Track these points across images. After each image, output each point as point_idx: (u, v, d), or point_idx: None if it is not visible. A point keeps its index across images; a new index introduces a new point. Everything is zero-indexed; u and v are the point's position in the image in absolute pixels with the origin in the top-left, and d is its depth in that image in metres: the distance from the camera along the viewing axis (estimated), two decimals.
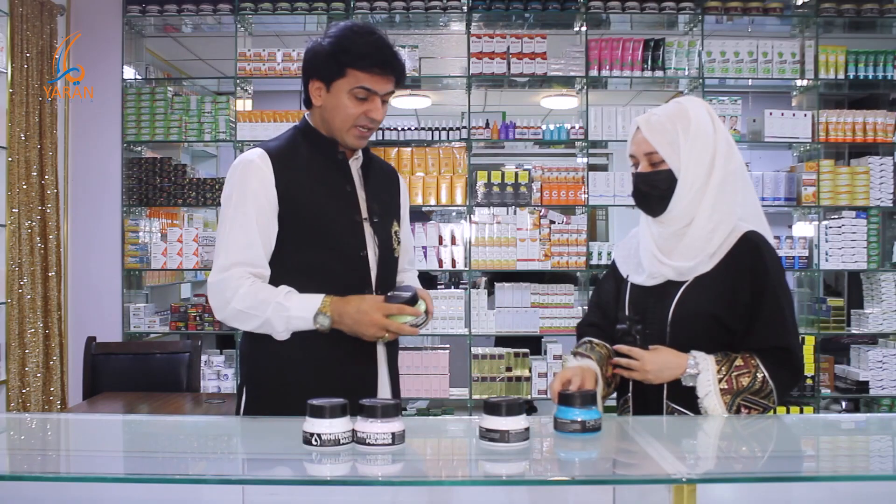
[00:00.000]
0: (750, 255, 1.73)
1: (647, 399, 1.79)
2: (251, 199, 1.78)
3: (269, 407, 1.77)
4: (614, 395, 1.91)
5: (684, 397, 1.72)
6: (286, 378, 1.79)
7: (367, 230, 1.86)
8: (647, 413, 1.79)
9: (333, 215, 1.82)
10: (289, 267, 1.80)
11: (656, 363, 1.71)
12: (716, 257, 1.74)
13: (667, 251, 1.78)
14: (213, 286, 1.78)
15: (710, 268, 1.74)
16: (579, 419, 1.39)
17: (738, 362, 1.69)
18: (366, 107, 1.79)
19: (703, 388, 1.68)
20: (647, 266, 1.82)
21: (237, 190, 1.79)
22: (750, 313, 1.72)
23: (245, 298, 1.74)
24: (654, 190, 1.78)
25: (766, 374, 1.68)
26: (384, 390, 1.89)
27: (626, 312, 1.84)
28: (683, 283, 1.76)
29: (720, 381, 1.68)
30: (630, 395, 1.84)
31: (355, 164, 1.91)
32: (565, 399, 1.41)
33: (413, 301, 1.74)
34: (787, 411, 4.16)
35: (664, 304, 1.77)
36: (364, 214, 1.87)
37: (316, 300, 1.73)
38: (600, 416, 1.41)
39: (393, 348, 1.92)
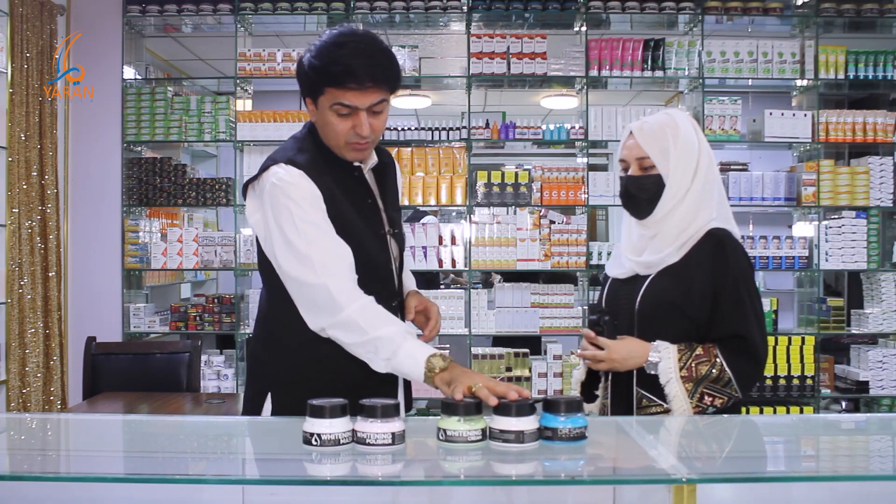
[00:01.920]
0: (712, 248, 1.81)
1: (620, 384, 1.89)
2: (317, 211, 1.69)
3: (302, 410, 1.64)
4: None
5: (652, 384, 1.81)
6: (327, 382, 1.67)
7: (391, 242, 1.85)
8: (621, 398, 1.89)
9: (364, 231, 1.77)
10: None
11: (621, 352, 1.82)
12: (682, 250, 1.83)
13: (640, 250, 1.89)
14: (316, 288, 1.64)
15: (676, 260, 1.83)
16: (561, 427, 1.34)
17: (699, 351, 1.78)
18: (351, 122, 1.70)
19: (664, 376, 1.78)
20: (622, 261, 1.94)
21: (294, 203, 1.67)
22: (712, 304, 1.80)
23: (365, 310, 1.62)
24: (642, 193, 1.87)
25: (724, 363, 1.76)
26: (400, 393, 1.93)
27: (602, 305, 1.95)
28: (650, 275, 1.86)
29: (681, 368, 1.77)
30: (609, 381, 1.94)
31: (368, 168, 1.85)
32: (550, 406, 1.36)
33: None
34: (787, 411, 4.16)
35: (633, 295, 1.87)
36: (386, 227, 1.85)
37: (438, 351, 1.60)
38: (586, 424, 1.36)
39: None
